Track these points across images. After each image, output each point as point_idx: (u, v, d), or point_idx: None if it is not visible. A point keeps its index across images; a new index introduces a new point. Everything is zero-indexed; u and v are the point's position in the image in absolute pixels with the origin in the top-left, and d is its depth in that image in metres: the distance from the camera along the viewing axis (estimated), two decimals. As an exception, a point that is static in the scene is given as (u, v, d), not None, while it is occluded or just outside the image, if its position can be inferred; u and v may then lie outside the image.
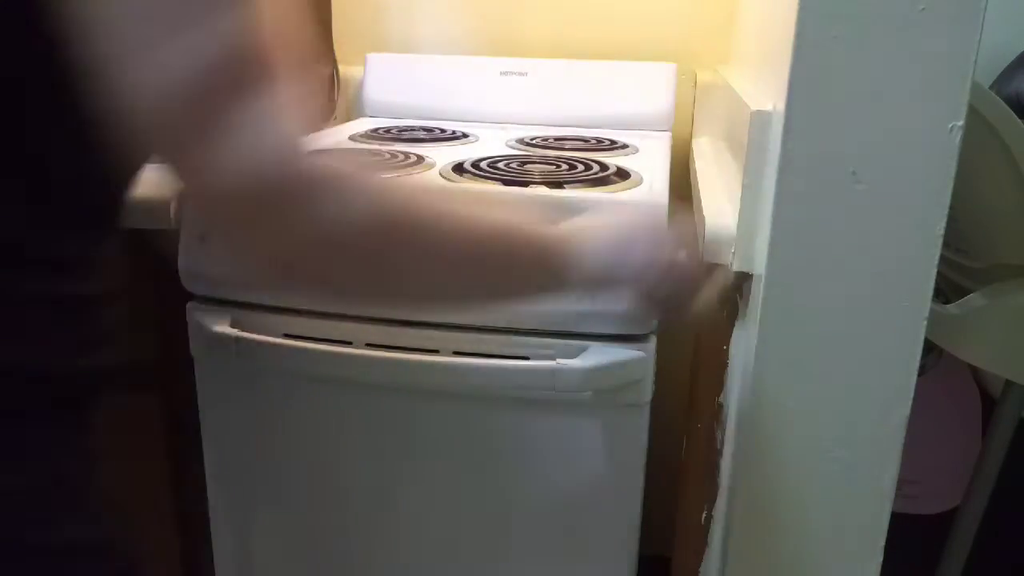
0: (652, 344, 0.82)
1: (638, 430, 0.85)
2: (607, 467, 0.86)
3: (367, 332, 0.85)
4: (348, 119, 1.42)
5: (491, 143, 1.16)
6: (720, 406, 0.85)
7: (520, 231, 0.56)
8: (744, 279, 0.75)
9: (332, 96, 1.35)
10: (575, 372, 0.80)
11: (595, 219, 0.63)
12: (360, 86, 1.39)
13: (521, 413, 0.85)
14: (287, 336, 0.86)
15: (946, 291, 1.03)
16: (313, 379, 0.88)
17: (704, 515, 0.88)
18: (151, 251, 0.91)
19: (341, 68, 1.37)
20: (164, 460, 0.99)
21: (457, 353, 0.83)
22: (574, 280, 0.58)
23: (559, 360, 0.80)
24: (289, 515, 0.94)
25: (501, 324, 0.82)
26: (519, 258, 0.56)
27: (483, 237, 0.53)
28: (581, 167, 0.99)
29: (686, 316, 0.68)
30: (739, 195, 0.73)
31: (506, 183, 0.88)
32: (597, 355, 0.81)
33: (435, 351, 0.83)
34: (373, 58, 1.37)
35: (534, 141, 1.17)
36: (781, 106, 0.64)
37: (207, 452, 0.95)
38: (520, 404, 0.85)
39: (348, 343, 0.85)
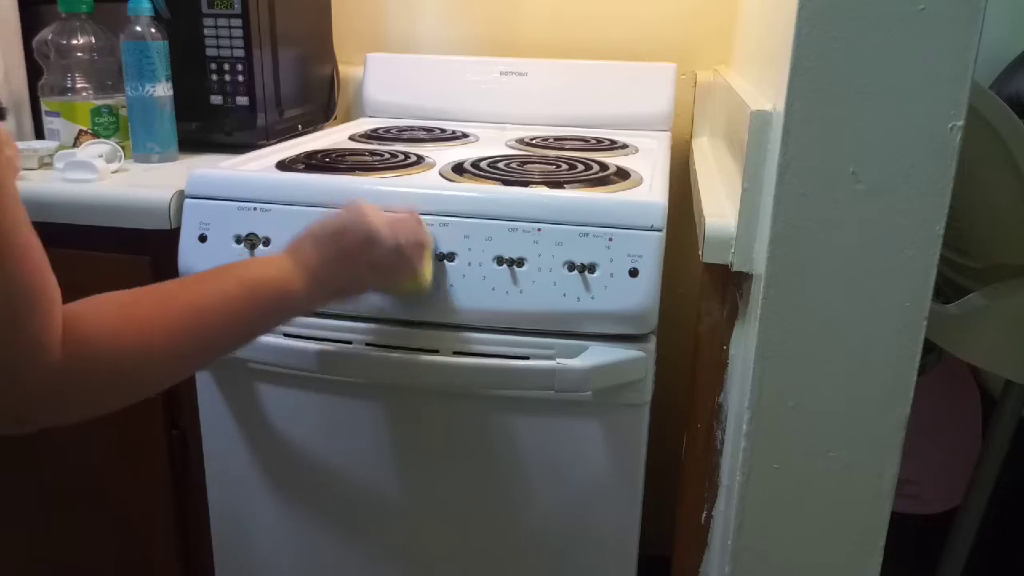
0: (652, 344, 0.82)
1: (638, 430, 0.85)
2: (607, 467, 0.86)
3: (367, 332, 0.85)
4: (348, 119, 1.42)
5: (491, 143, 1.16)
6: (720, 406, 0.85)
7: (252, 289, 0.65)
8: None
9: (332, 96, 1.35)
10: (575, 372, 0.80)
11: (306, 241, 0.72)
12: (360, 86, 1.39)
13: (521, 413, 0.85)
14: (287, 336, 0.86)
15: (946, 291, 1.04)
16: (313, 379, 0.88)
17: (704, 515, 0.88)
18: (151, 251, 0.91)
19: (341, 68, 1.37)
20: (164, 460, 0.99)
21: (457, 353, 0.83)
22: (310, 306, 0.73)
23: (559, 360, 0.80)
24: (289, 515, 0.94)
25: (501, 324, 0.82)
26: (265, 309, 0.67)
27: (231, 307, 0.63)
28: (581, 167, 0.99)
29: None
30: (739, 195, 0.73)
31: (506, 183, 0.88)
32: (597, 355, 0.81)
33: (435, 351, 0.83)
34: (373, 58, 1.37)
35: (534, 141, 1.17)
36: (781, 106, 0.64)
37: (207, 452, 0.95)
38: (520, 404, 0.85)
39: (348, 343, 0.85)
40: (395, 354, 0.83)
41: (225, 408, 0.92)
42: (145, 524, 1.02)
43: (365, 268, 0.73)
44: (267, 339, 0.85)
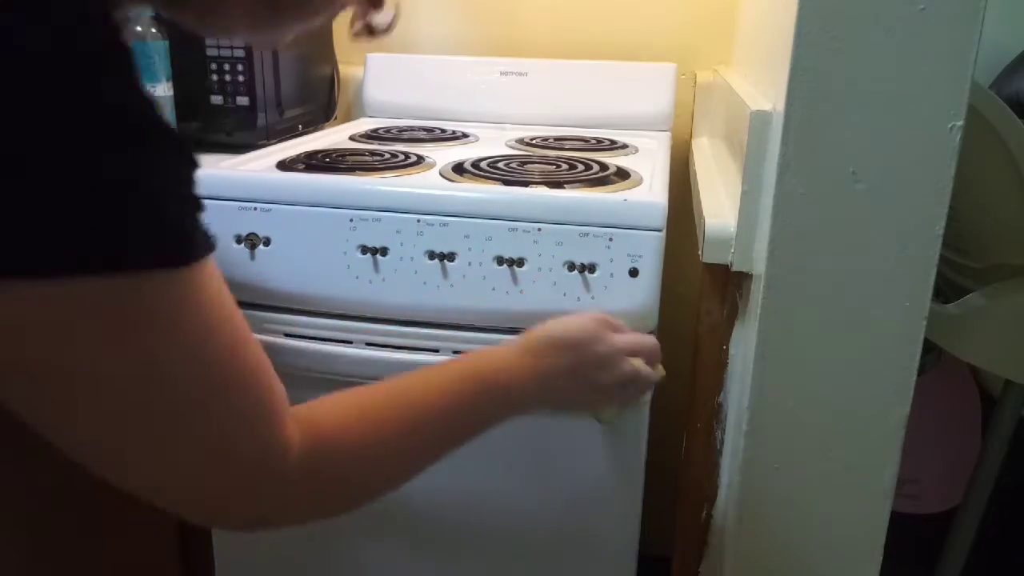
0: (652, 344, 0.82)
1: (638, 430, 0.85)
2: (607, 467, 0.86)
3: (367, 332, 0.85)
4: (348, 119, 1.42)
5: (491, 143, 1.16)
6: (720, 406, 0.85)
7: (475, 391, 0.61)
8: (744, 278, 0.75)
9: (332, 96, 1.35)
10: (575, 372, 0.80)
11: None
12: (360, 86, 1.39)
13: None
14: (287, 336, 0.86)
15: (946, 291, 1.04)
16: (313, 379, 0.88)
17: (704, 515, 0.88)
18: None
19: (341, 68, 1.37)
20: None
21: (457, 353, 0.83)
22: (532, 410, 0.67)
23: (559, 360, 0.80)
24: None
25: (501, 324, 0.82)
26: (489, 412, 0.63)
27: (449, 413, 0.59)
28: (581, 167, 0.99)
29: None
30: (739, 195, 0.73)
31: (506, 183, 0.88)
32: (597, 355, 0.80)
33: (435, 350, 0.83)
34: (373, 58, 1.37)
35: (534, 141, 1.17)
36: (781, 106, 0.64)
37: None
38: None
39: (348, 343, 0.85)
40: (395, 354, 0.83)
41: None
42: (145, 524, 1.02)
43: (588, 388, 0.70)
44: (266, 339, 0.86)
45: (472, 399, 0.60)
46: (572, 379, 0.67)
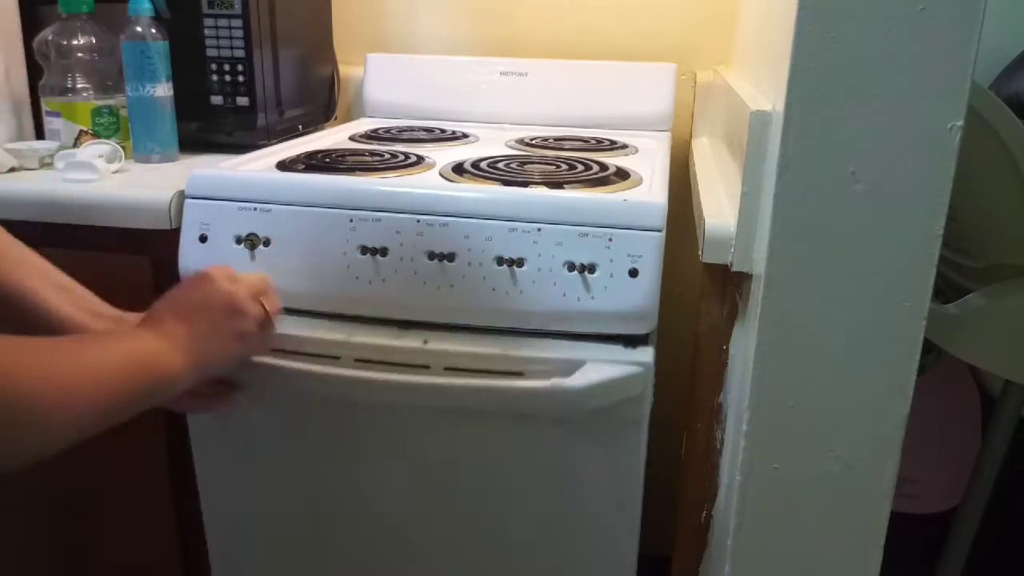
0: (650, 359, 0.80)
1: (636, 444, 0.83)
2: (608, 468, 0.86)
3: (356, 349, 0.83)
4: (348, 119, 1.42)
5: (491, 143, 1.16)
6: (720, 406, 0.85)
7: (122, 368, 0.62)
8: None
9: (332, 96, 1.35)
10: (572, 392, 0.77)
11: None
12: (360, 86, 1.39)
13: (517, 429, 0.84)
14: (273, 350, 0.82)
15: (946, 291, 1.04)
16: (303, 396, 0.87)
17: (704, 515, 0.88)
18: (151, 251, 0.91)
19: (341, 68, 1.37)
20: (164, 460, 0.99)
21: (448, 370, 0.81)
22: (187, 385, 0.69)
23: (554, 380, 0.78)
24: (284, 526, 0.94)
25: (501, 325, 0.82)
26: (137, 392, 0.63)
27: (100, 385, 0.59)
28: (581, 167, 0.99)
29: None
30: (739, 195, 0.73)
31: (506, 183, 0.88)
32: (594, 372, 0.78)
33: (426, 367, 0.81)
34: (373, 58, 1.37)
35: (534, 141, 1.17)
36: (781, 106, 0.64)
37: (199, 466, 0.94)
38: (516, 420, 0.83)
39: (336, 358, 0.83)
40: (384, 375, 0.80)
41: (215, 423, 0.90)
42: (145, 524, 1.02)
43: (232, 340, 0.72)
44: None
45: (125, 387, 0.61)
46: (214, 342, 0.70)
